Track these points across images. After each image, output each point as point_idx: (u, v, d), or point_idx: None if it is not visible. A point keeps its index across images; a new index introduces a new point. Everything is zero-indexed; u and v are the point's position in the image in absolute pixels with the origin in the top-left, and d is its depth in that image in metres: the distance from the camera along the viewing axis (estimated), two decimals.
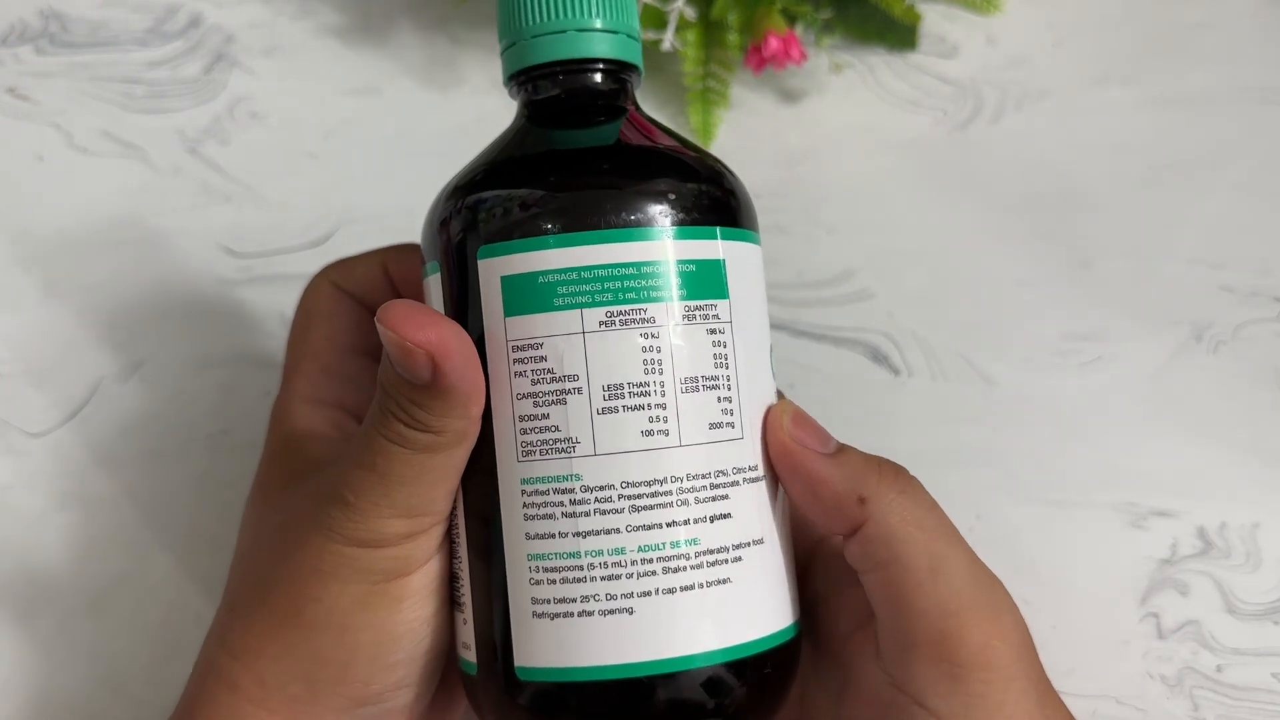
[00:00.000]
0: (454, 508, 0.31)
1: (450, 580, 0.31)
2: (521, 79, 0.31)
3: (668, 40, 0.47)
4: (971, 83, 0.52)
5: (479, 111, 0.51)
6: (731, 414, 0.29)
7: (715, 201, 0.30)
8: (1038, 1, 0.54)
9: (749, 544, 0.29)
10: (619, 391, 0.28)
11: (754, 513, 0.29)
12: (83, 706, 0.38)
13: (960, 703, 0.28)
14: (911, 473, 0.30)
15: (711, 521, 0.28)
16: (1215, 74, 0.52)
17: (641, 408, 0.28)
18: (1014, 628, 0.29)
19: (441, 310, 0.30)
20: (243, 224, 0.47)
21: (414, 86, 0.51)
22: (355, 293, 0.36)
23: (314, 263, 0.46)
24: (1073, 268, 0.47)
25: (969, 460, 0.43)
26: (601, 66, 0.31)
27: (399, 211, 0.48)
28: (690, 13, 0.49)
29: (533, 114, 0.32)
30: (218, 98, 0.50)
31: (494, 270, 0.29)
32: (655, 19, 0.48)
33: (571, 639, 0.28)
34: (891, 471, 0.30)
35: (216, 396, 0.43)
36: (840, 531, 0.30)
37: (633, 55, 0.31)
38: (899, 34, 0.52)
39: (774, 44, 0.48)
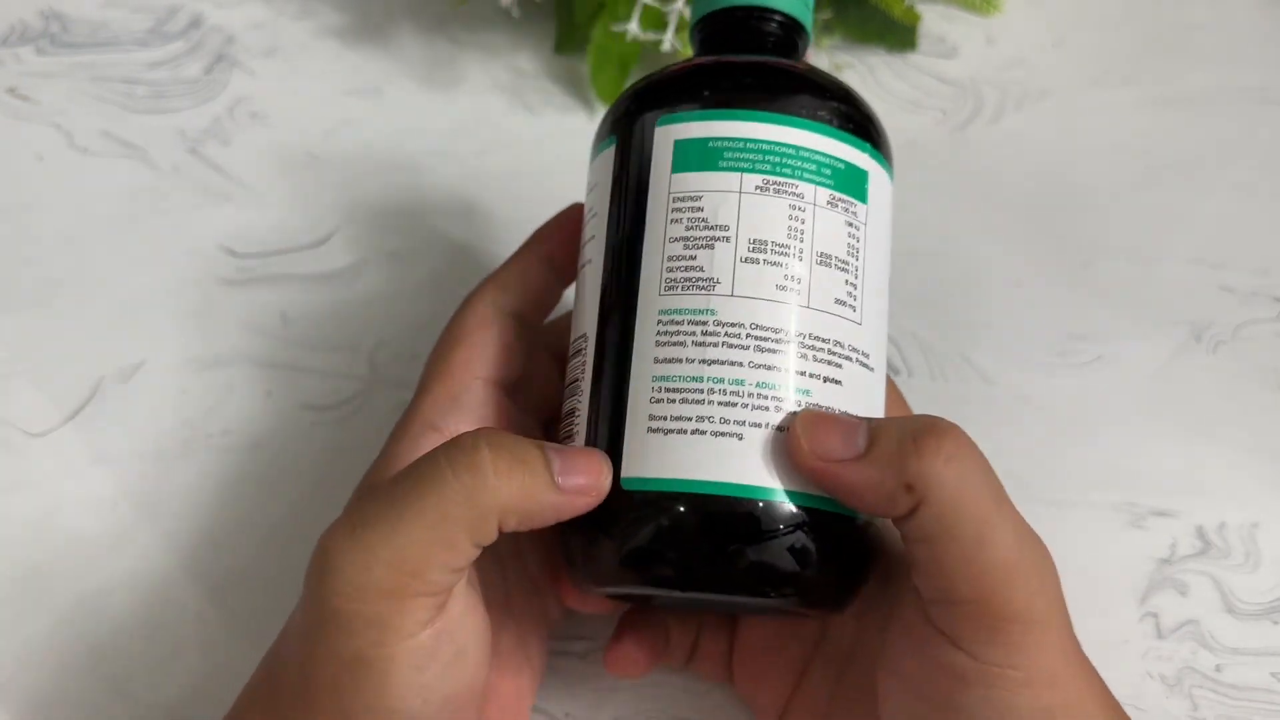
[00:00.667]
0: (583, 348, 0.33)
1: (565, 417, 0.33)
2: (705, 23, 0.35)
3: (668, 40, 0.47)
4: (971, 83, 0.52)
5: (479, 111, 0.51)
6: (854, 299, 0.32)
7: (869, 128, 0.34)
8: (1038, 1, 0.54)
9: (852, 415, 0.31)
10: (762, 247, 0.31)
11: (862, 393, 0.32)
12: (83, 706, 0.38)
13: (999, 650, 0.29)
14: (949, 421, 0.30)
15: (824, 381, 0.31)
16: (1215, 74, 0.52)
17: (779, 264, 0.31)
18: (1054, 582, 0.30)
19: (608, 175, 0.33)
20: (243, 224, 0.47)
21: (414, 86, 0.51)
22: (516, 311, 0.36)
23: (314, 263, 0.46)
24: (1073, 268, 0.47)
25: None
26: (779, 19, 0.35)
27: (399, 211, 0.48)
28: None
29: (710, 46, 0.35)
30: (218, 98, 0.50)
31: (670, 135, 0.32)
32: (655, 19, 0.48)
33: (681, 453, 0.30)
34: (932, 442, 0.29)
35: (216, 396, 0.43)
36: (895, 517, 0.30)
37: (805, 17, 0.35)
38: (899, 34, 0.52)
39: None
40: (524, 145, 0.50)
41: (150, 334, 0.44)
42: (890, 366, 0.45)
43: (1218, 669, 0.39)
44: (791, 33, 0.35)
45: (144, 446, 0.42)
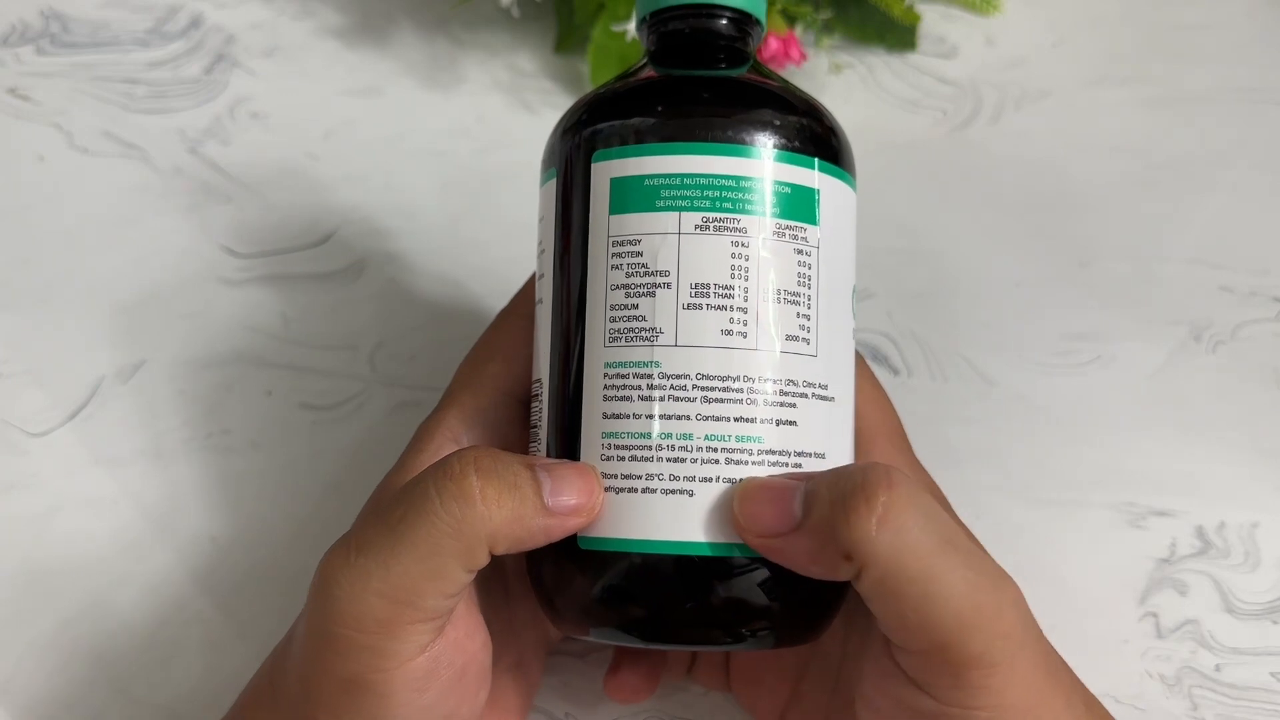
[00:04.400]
0: (539, 393, 0.32)
1: None
2: (653, 20, 0.34)
3: None
4: (971, 83, 0.52)
5: (479, 111, 0.51)
6: (808, 331, 0.31)
7: (817, 136, 0.32)
8: (1037, 1, 0.54)
9: (811, 455, 0.30)
10: (705, 291, 0.30)
11: (820, 428, 0.31)
12: (83, 706, 0.38)
13: (963, 694, 0.28)
14: (881, 471, 0.29)
15: (777, 425, 0.30)
16: (1215, 74, 0.52)
17: (724, 308, 0.30)
18: (1016, 621, 0.29)
19: (552, 210, 0.32)
20: (243, 224, 0.47)
21: (414, 86, 0.51)
22: None
23: (314, 263, 0.46)
24: (1072, 268, 0.47)
25: (969, 460, 0.43)
26: (728, 14, 0.33)
27: (399, 212, 0.48)
28: None
29: (659, 52, 0.34)
30: (218, 98, 0.50)
31: (605, 173, 0.31)
32: None
33: (633, 513, 0.30)
34: (862, 506, 0.28)
35: (216, 396, 0.43)
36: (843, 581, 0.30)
37: (757, 9, 0.33)
38: (898, 34, 0.52)
39: (774, 45, 0.48)
40: (524, 145, 0.50)
41: (150, 334, 0.44)
42: (890, 366, 0.45)
43: (1217, 669, 0.39)
44: (743, 27, 0.33)
45: (144, 446, 0.42)
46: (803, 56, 0.48)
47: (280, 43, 0.52)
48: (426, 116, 0.51)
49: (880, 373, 0.45)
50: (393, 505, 0.29)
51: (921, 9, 0.53)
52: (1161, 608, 0.40)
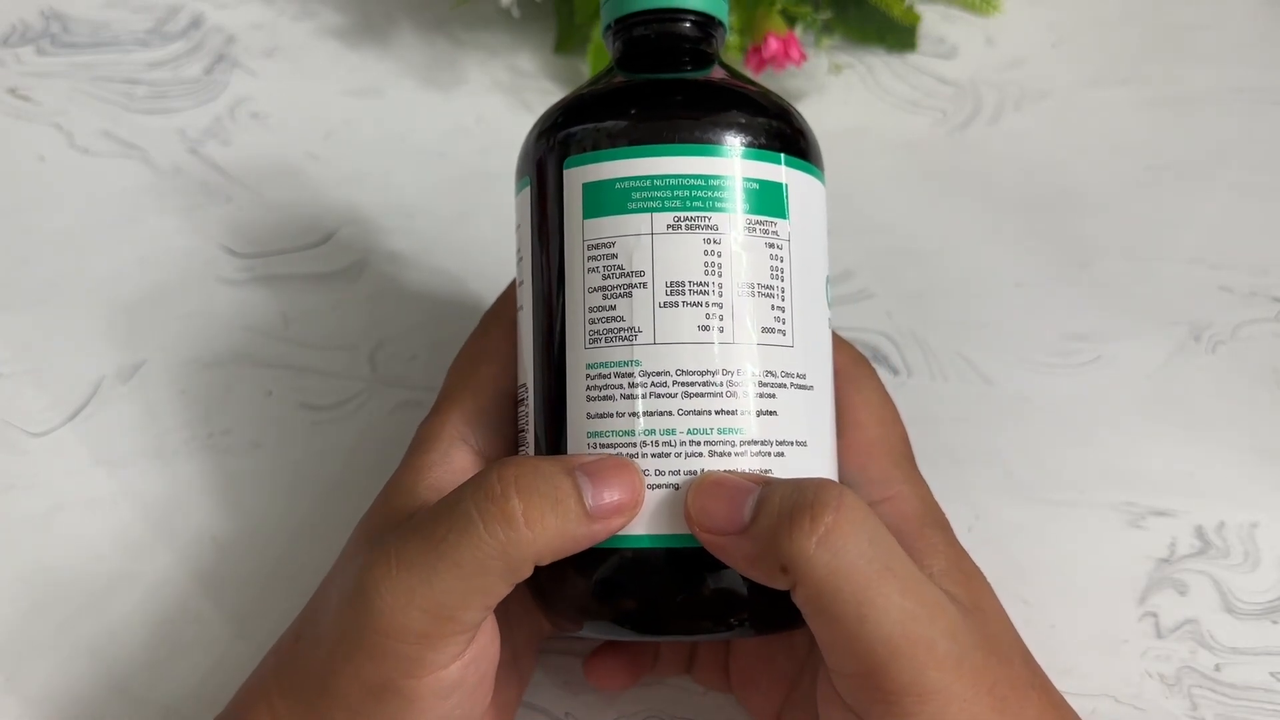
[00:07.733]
0: (525, 397, 0.33)
1: None
2: (618, 27, 0.34)
3: None
4: (970, 83, 0.52)
5: (479, 111, 0.51)
6: (784, 323, 0.31)
7: (783, 133, 0.33)
8: (1037, 2, 0.55)
9: (792, 443, 0.31)
10: (680, 289, 0.31)
11: (800, 417, 0.31)
12: (83, 706, 0.38)
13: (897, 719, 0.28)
14: (833, 490, 0.29)
15: (758, 416, 0.31)
16: (1215, 74, 0.52)
17: (700, 305, 0.31)
18: (950, 653, 0.28)
19: (528, 217, 0.33)
20: (243, 224, 0.47)
21: (414, 86, 0.51)
22: None
23: (314, 263, 0.46)
24: (1072, 268, 0.47)
25: (968, 460, 0.43)
26: (691, 18, 0.34)
27: (399, 211, 0.48)
28: None
29: (624, 58, 0.34)
30: (219, 98, 0.50)
31: (577, 178, 0.32)
32: None
33: None
34: (805, 522, 0.28)
35: (216, 396, 0.43)
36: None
37: (719, 11, 0.34)
38: (898, 35, 0.53)
39: (774, 45, 0.48)
40: None
41: (150, 334, 0.44)
42: (890, 366, 0.45)
43: (1217, 668, 0.39)
44: (706, 29, 0.34)
45: (144, 446, 0.42)
46: (803, 56, 0.48)
47: (280, 43, 0.52)
48: (426, 116, 0.51)
49: (880, 373, 0.45)
50: (433, 522, 0.29)
51: (921, 9, 0.53)
52: (1161, 608, 0.40)
